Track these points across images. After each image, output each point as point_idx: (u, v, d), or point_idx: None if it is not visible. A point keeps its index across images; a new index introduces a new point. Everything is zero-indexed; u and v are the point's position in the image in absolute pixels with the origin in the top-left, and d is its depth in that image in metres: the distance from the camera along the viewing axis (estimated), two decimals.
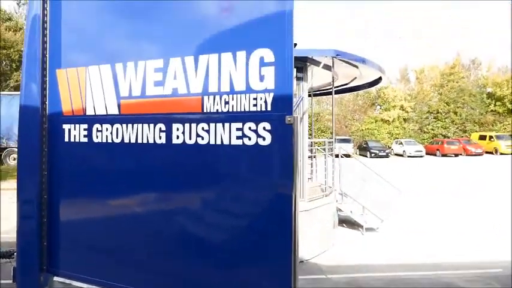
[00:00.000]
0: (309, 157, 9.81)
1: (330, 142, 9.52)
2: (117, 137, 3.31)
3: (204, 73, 2.92)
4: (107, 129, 3.35)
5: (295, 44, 6.41)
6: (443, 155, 38.42)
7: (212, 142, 2.90)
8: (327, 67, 7.67)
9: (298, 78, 7.30)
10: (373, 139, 43.25)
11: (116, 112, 3.30)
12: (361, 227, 8.91)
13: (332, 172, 9.09)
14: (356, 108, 49.67)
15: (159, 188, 3.23)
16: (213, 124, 2.89)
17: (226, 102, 2.84)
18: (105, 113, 3.35)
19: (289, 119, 2.63)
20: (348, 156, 10.49)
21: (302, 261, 6.78)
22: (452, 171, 24.79)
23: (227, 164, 2.92)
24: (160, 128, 3.11)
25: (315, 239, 7.11)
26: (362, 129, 46.52)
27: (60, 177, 3.65)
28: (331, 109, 49.97)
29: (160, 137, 3.11)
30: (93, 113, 3.41)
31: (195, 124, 2.96)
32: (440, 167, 27.88)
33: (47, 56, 3.59)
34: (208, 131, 2.91)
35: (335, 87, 10.60)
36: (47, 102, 3.62)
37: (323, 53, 6.71)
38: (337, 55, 6.67)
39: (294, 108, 6.55)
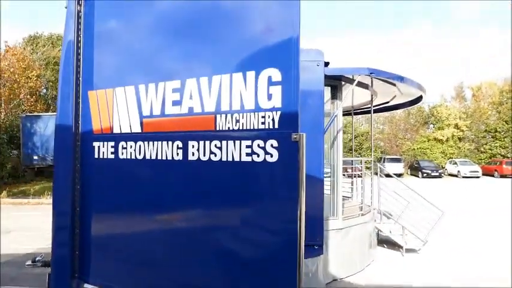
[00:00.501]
0: (349, 176, 9.73)
1: (369, 161, 9.38)
2: (139, 154, 3.51)
3: (217, 93, 3.06)
4: (131, 147, 3.57)
5: (328, 63, 6.47)
6: (502, 176, 36.44)
7: (224, 159, 3.02)
8: (363, 85, 7.64)
9: (332, 97, 7.31)
10: (425, 159, 41.81)
11: (139, 130, 3.52)
12: (402, 247, 8.64)
13: (371, 191, 8.94)
14: (408, 127, 48.36)
15: (178, 202, 3.39)
16: (225, 141, 3.01)
17: (237, 121, 2.96)
18: (130, 131, 3.58)
19: (295, 136, 2.70)
20: (388, 176, 10.25)
21: (336, 280, 6.69)
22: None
23: (237, 180, 3.01)
24: (177, 145, 3.27)
25: (349, 258, 7.00)
26: (413, 149, 45.13)
27: (91, 191, 3.91)
28: (381, 127, 49.37)
29: (177, 154, 3.27)
30: (119, 131, 3.64)
31: (208, 141, 3.09)
32: (499, 188, 26.45)
33: (80, 78, 3.89)
34: (220, 148, 3.03)
35: (377, 106, 10.49)
36: (80, 122, 3.90)
37: (357, 71, 6.70)
38: (371, 73, 6.63)
39: (327, 127, 6.60)
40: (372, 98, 9.03)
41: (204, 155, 3.13)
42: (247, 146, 2.91)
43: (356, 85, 7.11)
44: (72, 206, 3.92)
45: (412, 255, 8.52)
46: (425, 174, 36.35)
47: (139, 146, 3.51)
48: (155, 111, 3.40)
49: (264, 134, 2.83)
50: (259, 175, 2.88)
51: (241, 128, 2.94)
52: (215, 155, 3.07)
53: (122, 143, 3.62)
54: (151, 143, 3.44)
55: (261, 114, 2.85)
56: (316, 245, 6.23)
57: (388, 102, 10.02)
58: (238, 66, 2.97)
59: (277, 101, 2.80)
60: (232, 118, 2.99)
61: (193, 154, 3.19)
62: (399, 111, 46.73)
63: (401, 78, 7.53)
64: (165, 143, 3.35)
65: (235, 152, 2.97)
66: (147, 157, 3.47)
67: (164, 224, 3.52)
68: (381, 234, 9.29)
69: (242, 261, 3.02)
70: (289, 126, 2.74)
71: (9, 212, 14.51)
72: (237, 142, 2.96)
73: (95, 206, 3.91)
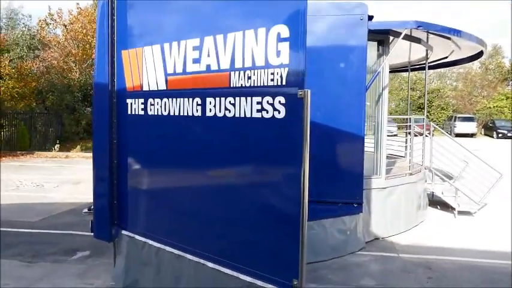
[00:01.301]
0: (407, 133, 9.48)
1: (418, 119, 9.03)
2: (165, 110, 3.70)
3: (231, 50, 3.11)
4: (157, 103, 3.76)
5: (371, 17, 6.19)
6: None
7: (237, 115, 3.11)
8: (414, 39, 7.24)
9: (378, 52, 7.02)
10: (502, 118, 39.05)
11: (164, 88, 3.68)
12: (455, 209, 8.37)
13: (422, 151, 8.65)
14: (484, 83, 45.08)
15: (202, 157, 3.55)
16: (238, 98, 3.09)
17: (249, 77, 3.02)
18: (156, 89, 3.75)
19: (300, 93, 2.72)
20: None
21: (377, 238, 6.66)
22: None
23: (249, 136, 3.11)
24: (197, 102, 3.41)
25: (393, 218, 6.88)
26: (489, 107, 42.17)
27: (126, 145, 4.19)
28: (454, 84, 46.44)
29: (197, 110, 3.41)
30: (148, 89, 3.84)
31: (224, 98, 3.19)
32: None
33: (115, 38, 4.10)
34: (234, 105, 3.12)
35: (433, 62, 9.96)
36: (115, 80, 4.15)
37: (402, 25, 6.35)
38: (419, 26, 6.26)
39: (369, 83, 6.40)
40: (426, 53, 8.54)
41: (220, 111, 3.24)
42: (258, 103, 2.97)
43: (406, 39, 6.77)
44: (110, 159, 4.24)
45: (465, 217, 8.22)
46: (500, 135, 34.04)
47: (165, 102, 3.69)
48: (178, 69, 3.54)
49: (273, 91, 2.87)
50: (269, 131, 2.93)
51: (252, 84, 3.00)
52: (229, 111, 3.17)
53: (150, 100, 3.82)
54: (174, 99, 3.60)
55: (270, 70, 2.89)
56: (356, 203, 6.21)
57: (446, 58, 9.45)
58: (250, 23, 3.00)
59: (285, 58, 2.81)
60: (244, 75, 3.05)
61: (210, 110, 3.31)
62: (475, 67, 43.64)
63: (456, 32, 7.03)
64: (186, 99, 3.49)
65: (247, 108, 3.04)
66: (171, 113, 3.64)
67: (189, 177, 3.73)
68: (435, 195, 9.03)
69: (250, 214, 3.15)
70: (295, 83, 2.76)
71: (81, 165, 15.74)
72: (249, 99, 3.02)
73: (130, 159, 4.21)
